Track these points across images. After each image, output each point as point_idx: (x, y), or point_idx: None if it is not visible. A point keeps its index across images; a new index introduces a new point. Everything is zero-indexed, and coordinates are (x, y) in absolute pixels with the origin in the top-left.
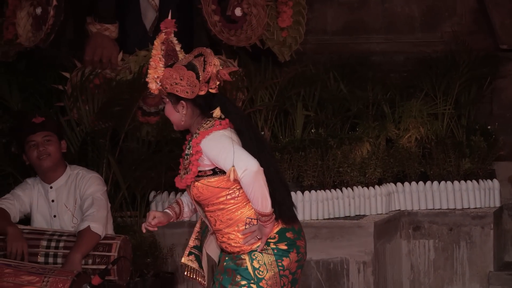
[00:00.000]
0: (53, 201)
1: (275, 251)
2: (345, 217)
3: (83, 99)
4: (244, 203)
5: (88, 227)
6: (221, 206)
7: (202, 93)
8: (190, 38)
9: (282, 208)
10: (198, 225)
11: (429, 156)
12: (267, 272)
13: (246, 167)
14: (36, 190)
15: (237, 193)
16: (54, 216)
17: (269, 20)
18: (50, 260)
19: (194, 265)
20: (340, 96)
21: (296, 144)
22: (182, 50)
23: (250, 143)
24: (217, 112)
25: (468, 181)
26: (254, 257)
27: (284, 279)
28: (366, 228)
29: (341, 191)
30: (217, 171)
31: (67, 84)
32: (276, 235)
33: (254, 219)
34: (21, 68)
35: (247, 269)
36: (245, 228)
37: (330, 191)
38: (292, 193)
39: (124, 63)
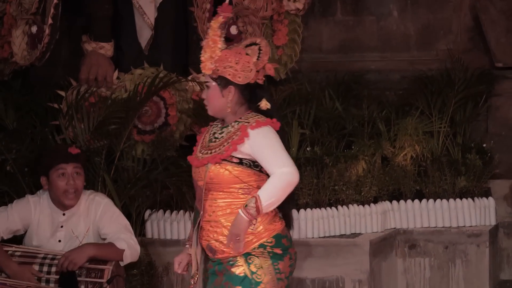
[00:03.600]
0: (62, 227)
1: (271, 254)
2: (341, 236)
3: (78, 117)
4: None
5: (123, 250)
6: (229, 197)
7: (252, 81)
8: (185, 56)
9: (289, 214)
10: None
11: (424, 174)
12: (265, 275)
13: (291, 172)
14: (38, 210)
15: (251, 190)
16: (59, 241)
17: (264, 38)
18: (42, 285)
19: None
20: (336, 114)
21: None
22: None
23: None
24: (264, 104)
25: (464, 199)
26: (250, 261)
27: (281, 283)
28: (362, 247)
29: (337, 209)
30: (243, 162)
31: (63, 102)
32: (273, 240)
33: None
34: (17, 87)
35: (245, 276)
36: None
37: (326, 209)
38: None
39: (119, 81)
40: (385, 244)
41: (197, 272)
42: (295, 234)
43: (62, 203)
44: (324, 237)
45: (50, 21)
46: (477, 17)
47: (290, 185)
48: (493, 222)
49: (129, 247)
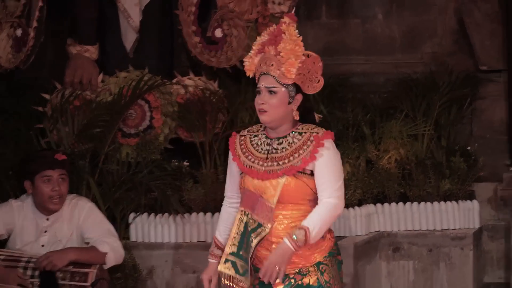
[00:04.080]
0: (46, 231)
1: (337, 262)
2: None
3: (63, 120)
4: None
5: (106, 254)
6: (302, 208)
7: (312, 92)
8: (170, 60)
9: None
10: (234, 230)
11: (409, 177)
12: (335, 284)
13: (338, 206)
14: (21, 215)
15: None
16: (43, 245)
17: (249, 41)
18: None
19: (231, 272)
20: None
21: None
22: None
23: None
24: (317, 116)
25: (448, 202)
26: (323, 270)
27: None
28: (346, 249)
29: None
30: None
31: (47, 105)
32: (335, 247)
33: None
34: (1, 90)
35: (320, 286)
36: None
37: None
38: None
39: (104, 84)
40: (369, 247)
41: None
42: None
43: (46, 208)
44: None
45: (35, 24)
46: (462, 20)
47: (335, 217)
48: (477, 225)
49: (112, 250)
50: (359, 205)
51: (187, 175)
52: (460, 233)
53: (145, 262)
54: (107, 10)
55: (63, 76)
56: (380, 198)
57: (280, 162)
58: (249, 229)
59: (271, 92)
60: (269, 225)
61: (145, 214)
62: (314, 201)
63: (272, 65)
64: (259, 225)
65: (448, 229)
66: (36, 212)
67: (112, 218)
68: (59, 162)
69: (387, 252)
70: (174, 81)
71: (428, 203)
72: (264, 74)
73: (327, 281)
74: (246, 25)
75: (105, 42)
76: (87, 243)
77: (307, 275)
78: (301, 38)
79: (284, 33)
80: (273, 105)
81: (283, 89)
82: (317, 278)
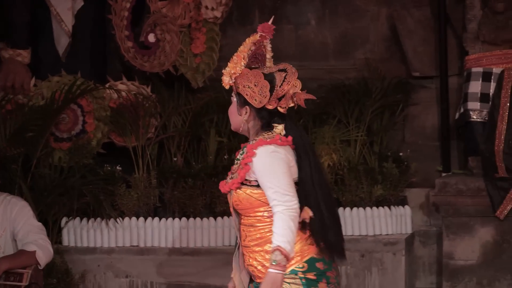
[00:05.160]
0: None
1: (303, 280)
2: None
3: None
4: None
5: (34, 252)
6: (256, 222)
7: (270, 107)
8: (103, 64)
9: (333, 242)
10: None
11: (341, 182)
12: None
13: (288, 208)
14: None
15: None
16: None
17: (182, 46)
18: None
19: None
20: None
21: (208, 170)
22: (272, 60)
23: (309, 170)
24: (280, 128)
25: (380, 208)
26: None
27: None
28: None
29: None
30: None
31: None
32: (305, 264)
33: None
34: None
35: None
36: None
37: None
38: (204, 220)
39: (36, 88)
40: None
41: None
42: (212, 242)
43: None
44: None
45: None
46: (394, 27)
47: (293, 219)
48: (409, 231)
49: (39, 248)
50: None
51: (119, 180)
52: (392, 238)
53: (77, 267)
54: (39, 14)
55: None
56: None
57: (233, 175)
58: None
59: (231, 100)
60: (238, 234)
61: (78, 218)
62: (270, 213)
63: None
64: (237, 238)
65: (380, 234)
66: None
67: (44, 222)
68: None
69: None
70: (107, 85)
71: (361, 209)
72: None
73: None
74: (179, 30)
75: (38, 47)
76: (15, 240)
77: None
78: (248, 49)
79: (245, 41)
80: (229, 113)
81: (234, 98)
82: None
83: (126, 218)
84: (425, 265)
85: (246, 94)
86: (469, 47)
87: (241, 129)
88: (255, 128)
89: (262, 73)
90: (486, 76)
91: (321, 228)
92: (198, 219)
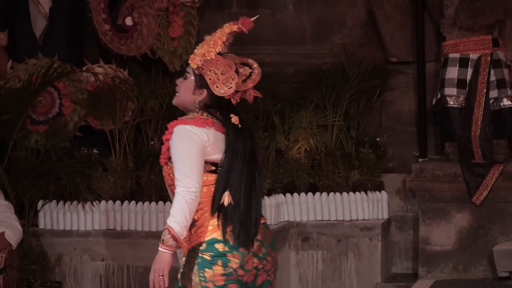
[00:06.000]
0: None
1: (199, 260)
2: None
3: None
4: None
5: (3, 233)
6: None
7: (227, 97)
8: (80, 47)
9: (241, 227)
10: None
11: (318, 167)
12: (189, 281)
13: (185, 191)
14: None
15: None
16: None
17: (159, 30)
18: None
19: None
20: None
21: None
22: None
23: (234, 158)
24: (235, 119)
25: (357, 193)
26: (184, 263)
27: None
28: None
29: None
30: None
31: None
32: (205, 244)
33: (193, 219)
34: None
35: (177, 275)
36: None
37: None
38: None
39: (13, 71)
40: (278, 237)
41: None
42: None
43: None
44: None
45: None
46: (372, 12)
47: (189, 202)
48: (386, 216)
49: (7, 228)
50: (268, 194)
51: (96, 163)
52: (368, 223)
53: (53, 250)
54: None
55: None
56: (290, 188)
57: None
58: None
59: (184, 77)
60: None
61: (54, 201)
62: None
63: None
64: None
65: (357, 219)
66: None
67: (20, 205)
68: None
69: (296, 242)
70: (84, 68)
71: (337, 194)
72: None
73: (182, 275)
74: (156, 14)
75: (15, 29)
76: None
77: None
78: (225, 39)
79: (221, 28)
80: (180, 88)
81: (192, 77)
82: (180, 270)
83: (103, 202)
84: (401, 251)
85: (209, 79)
86: (446, 33)
87: (187, 107)
88: (196, 109)
89: (235, 64)
90: (463, 62)
91: (232, 212)
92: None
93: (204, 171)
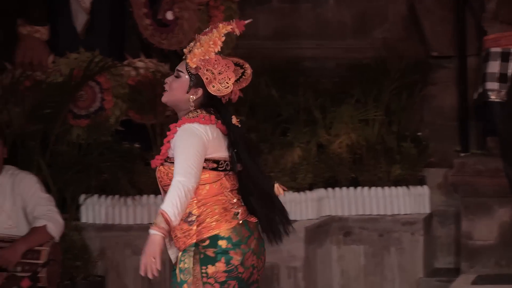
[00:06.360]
0: None
1: (201, 256)
2: None
3: (13, 101)
4: (195, 201)
5: (45, 226)
6: None
7: (220, 96)
8: (121, 41)
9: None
10: None
11: (359, 162)
12: (190, 276)
13: (182, 182)
14: None
15: (196, 190)
16: None
17: (200, 24)
18: None
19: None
20: (272, 101)
21: None
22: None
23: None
24: (235, 121)
25: (399, 187)
26: (183, 259)
27: (208, 287)
28: (297, 233)
29: None
30: None
31: None
32: (208, 240)
33: (194, 215)
34: None
35: (174, 270)
36: (183, 221)
37: None
38: None
39: (55, 65)
40: (320, 231)
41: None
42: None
43: None
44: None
45: None
46: (413, 6)
47: (185, 193)
48: (428, 210)
49: (49, 220)
50: (310, 189)
51: (137, 157)
52: (410, 218)
53: (95, 244)
54: None
55: (13, 56)
56: (331, 183)
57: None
58: None
59: (177, 75)
60: None
61: (96, 195)
62: None
63: (189, 51)
64: None
65: (398, 214)
66: None
67: (62, 200)
68: None
69: (338, 237)
70: (125, 63)
71: (379, 188)
72: (183, 59)
73: (182, 270)
74: (197, 8)
75: (56, 23)
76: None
77: (176, 259)
78: (223, 39)
79: (216, 28)
80: (172, 87)
81: (187, 76)
82: (177, 266)
83: (144, 196)
84: (443, 245)
85: (206, 78)
86: (488, 27)
87: (181, 106)
88: (187, 107)
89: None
90: (505, 56)
91: (260, 207)
92: None
93: (207, 168)
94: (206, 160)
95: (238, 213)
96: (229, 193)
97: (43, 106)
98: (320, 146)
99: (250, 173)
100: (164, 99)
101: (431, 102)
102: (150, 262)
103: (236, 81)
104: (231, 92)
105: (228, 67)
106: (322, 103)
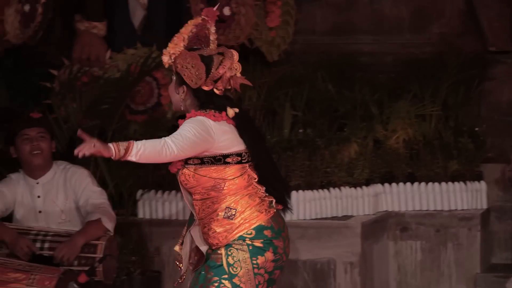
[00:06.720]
0: (39, 197)
1: (250, 248)
2: (333, 218)
3: (70, 96)
4: (229, 196)
5: (99, 219)
6: (205, 196)
7: (206, 88)
8: None
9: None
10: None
11: (416, 157)
12: (241, 269)
13: (169, 145)
14: (20, 185)
15: (223, 186)
16: (40, 212)
17: (257, 19)
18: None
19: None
20: (328, 97)
21: (284, 144)
22: (217, 42)
23: (253, 142)
24: (230, 112)
25: (456, 183)
26: (229, 253)
27: (259, 278)
28: (354, 229)
29: (329, 191)
30: (204, 161)
31: (55, 81)
32: (253, 231)
33: (233, 208)
34: (9, 66)
35: (221, 265)
36: (223, 217)
37: (318, 191)
38: None
39: (112, 61)
40: (376, 227)
41: (185, 273)
42: (286, 216)
43: (30, 166)
44: (316, 219)
45: None
46: (470, 1)
47: (161, 154)
48: (485, 206)
49: (103, 214)
50: (367, 184)
51: None
52: (467, 213)
53: (152, 239)
54: None
55: (71, 52)
56: (388, 178)
57: None
58: None
59: (171, 79)
60: (193, 210)
61: (153, 191)
62: (218, 187)
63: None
64: (192, 214)
65: (455, 209)
66: (26, 178)
67: (119, 195)
68: (35, 120)
69: (394, 232)
70: None
71: (436, 184)
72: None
73: (231, 264)
74: (254, 4)
75: (114, 19)
76: (77, 207)
77: (216, 252)
78: (190, 33)
79: (188, 23)
80: (169, 92)
81: (173, 77)
82: (221, 258)
83: None
84: (501, 241)
85: (184, 74)
86: None
87: (181, 108)
88: (192, 107)
89: (200, 55)
90: None
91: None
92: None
93: (232, 163)
94: (230, 155)
95: (272, 201)
96: (257, 184)
97: (100, 102)
98: (377, 142)
99: (261, 161)
100: (173, 107)
101: (488, 97)
102: (88, 146)
103: (216, 69)
104: (225, 82)
105: (195, 58)
106: (379, 98)
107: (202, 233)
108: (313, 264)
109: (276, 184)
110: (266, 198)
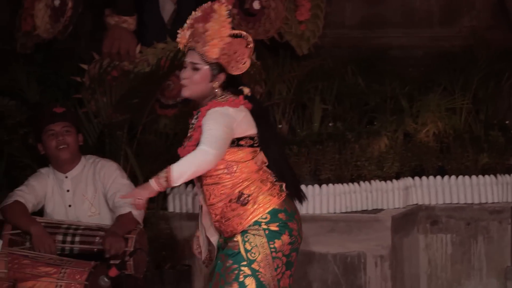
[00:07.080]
0: (68, 191)
1: (267, 232)
2: (363, 211)
3: (101, 91)
4: (241, 180)
5: (130, 212)
6: (217, 180)
7: (237, 72)
8: None
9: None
10: None
11: (447, 150)
12: (259, 254)
13: (206, 151)
14: (50, 179)
15: (235, 168)
16: (70, 205)
17: (287, 13)
18: (66, 254)
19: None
20: (358, 90)
21: (313, 137)
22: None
23: (265, 129)
24: (246, 91)
25: (486, 176)
26: (246, 239)
27: (278, 261)
28: (384, 222)
29: (359, 185)
30: None
31: (85, 76)
32: (268, 215)
33: (246, 194)
34: (39, 60)
35: (239, 252)
36: (235, 202)
37: (348, 184)
38: (309, 187)
39: (142, 55)
40: (407, 220)
41: (206, 257)
42: (316, 209)
43: (58, 161)
44: (346, 212)
45: None
46: None
47: (203, 162)
48: None
49: (132, 207)
50: (397, 178)
51: None
52: (498, 206)
53: (182, 233)
54: None
55: (101, 46)
56: (418, 171)
57: (189, 139)
58: None
59: (194, 68)
60: (201, 195)
61: (183, 184)
62: (230, 169)
63: (198, 42)
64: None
65: (486, 202)
66: (55, 172)
67: None
68: (58, 115)
69: (425, 225)
70: None
71: (466, 177)
72: (191, 49)
73: (249, 250)
74: None
75: (143, 13)
76: (106, 200)
77: (232, 240)
78: (229, 20)
79: (215, 12)
80: (194, 81)
81: (206, 66)
82: (238, 245)
83: None
84: None
85: (226, 62)
86: None
87: (206, 96)
88: (214, 93)
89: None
90: None
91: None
92: (303, 186)
93: (245, 146)
94: (243, 138)
95: (282, 185)
96: (267, 168)
97: (130, 96)
98: (407, 135)
99: (271, 145)
100: (187, 93)
101: None
102: (137, 200)
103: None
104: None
105: (240, 44)
106: (409, 91)
107: (213, 222)
108: (343, 257)
109: (285, 171)
110: (276, 182)
